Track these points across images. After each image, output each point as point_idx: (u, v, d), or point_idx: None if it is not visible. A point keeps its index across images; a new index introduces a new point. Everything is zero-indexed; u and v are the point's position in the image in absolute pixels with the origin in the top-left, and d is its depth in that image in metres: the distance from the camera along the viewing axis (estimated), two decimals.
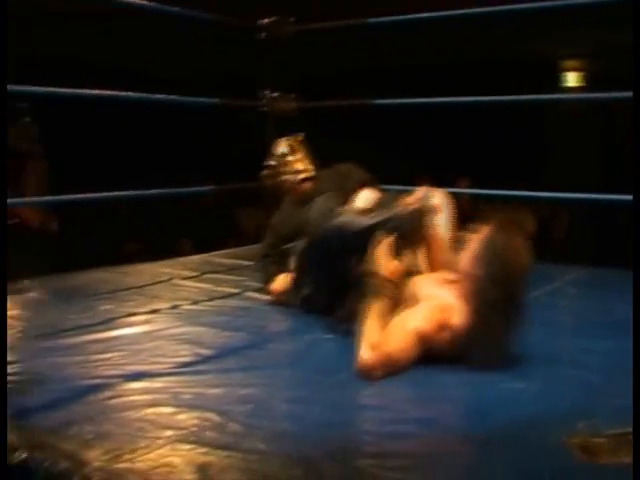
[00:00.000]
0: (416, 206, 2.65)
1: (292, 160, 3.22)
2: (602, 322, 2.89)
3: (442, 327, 2.24)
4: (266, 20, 4.70)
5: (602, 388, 2.10)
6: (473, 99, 4.78)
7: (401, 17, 4.73)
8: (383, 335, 2.22)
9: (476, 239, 2.30)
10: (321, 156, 3.34)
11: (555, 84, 8.31)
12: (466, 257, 2.30)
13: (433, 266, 2.68)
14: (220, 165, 6.12)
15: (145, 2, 3.76)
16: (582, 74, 8.48)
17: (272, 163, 3.29)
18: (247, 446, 1.69)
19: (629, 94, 5.01)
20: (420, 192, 2.71)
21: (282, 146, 3.27)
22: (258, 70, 4.70)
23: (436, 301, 2.31)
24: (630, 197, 4.15)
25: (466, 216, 6.26)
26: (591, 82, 8.29)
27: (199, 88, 4.48)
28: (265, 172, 3.39)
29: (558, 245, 6.78)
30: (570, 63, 8.48)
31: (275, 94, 4.76)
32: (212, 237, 6.34)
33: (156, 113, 5.49)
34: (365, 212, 2.73)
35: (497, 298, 2.20)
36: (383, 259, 2.48)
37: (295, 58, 6.00)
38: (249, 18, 4.61)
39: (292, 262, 3.00)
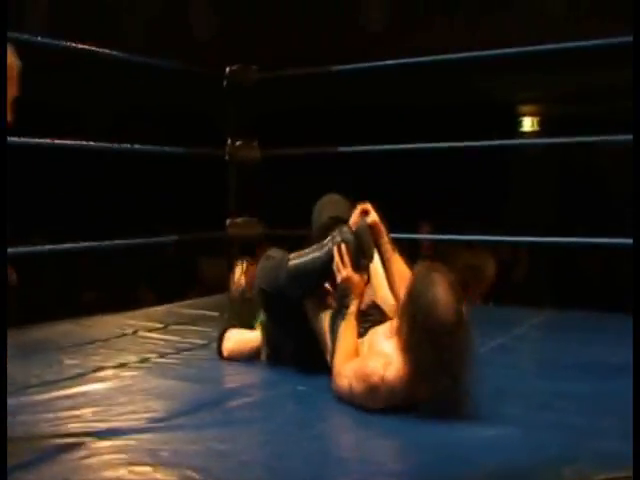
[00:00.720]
0: (359, 223, 2.66)
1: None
2: (572, 365, 2.90)
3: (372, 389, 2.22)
4: (228, 68, 4.71)
5: (583, 431, 2.09)
6: (433, 145, 4.85)
7: (364, 65, 4.80)
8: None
9: (410, 280, 2.28)
10: (282, 202, 3.31)
11: (513, 129, 8.45)
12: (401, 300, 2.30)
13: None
14: (181, 213, 6.08)
15: (110, 51, 3.74)
16: (538, 119, 8.63)
17: None
18: None
19: (586, 138, 5.17)
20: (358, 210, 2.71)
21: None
22: (222, 118, 4.70)
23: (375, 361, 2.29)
24: (588, 240, 4.26)
25: (429, 260, 6.30)
26: (547, 126, 8.44)
27: (163, 136, 4.46)
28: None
29: (519, 288, 6.82)
30: (527, 108, 8.63)
31: (238, 142, 4.76)
32: (172, 286, 6.28)
33: (117, 161, 5.46)
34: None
35: (426, 342, 2.14)
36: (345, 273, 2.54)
37: (259, 106, 6.03)
38: (218, 67, 4.62)
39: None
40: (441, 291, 2.16)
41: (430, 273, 2.22)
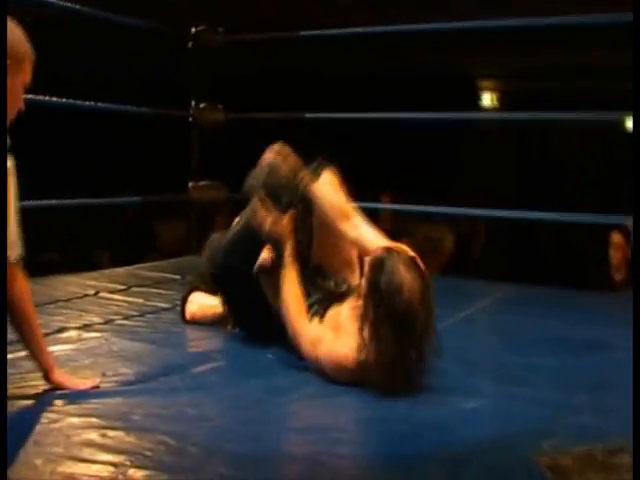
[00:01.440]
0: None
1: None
2: (538, 339, 2.91)
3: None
4: (194, 29, 4.62)
5: (556, 405, 2.09)
6: (397, 115, 4.83)
7: (329, 31, 4.74)
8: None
9: (377, 250, 2.22)
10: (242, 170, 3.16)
11: (473, 103, 8.46)
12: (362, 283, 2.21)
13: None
14: (143, 175, 5.96)
15: (79, 6, 3.63)
16: (497, 94, 8.66)
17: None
18: (210, 470, 1.61)
19: (541, 115, 5.19)
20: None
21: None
22: (187, 80, 4.62)
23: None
24: (541, 215, 4.30)
25: (388, 232, 6.32)
26: (506, 102, 8.48)
27: (128, 95, 4.36)
28: None
29: (477, 262, 6.88)
30: (487, 83, 8.65)
31: (202, 105, 4.69)
32: (130, 249, 6.19)
33: (82, 119, 5.33)
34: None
35: (388, 321, 2.09)
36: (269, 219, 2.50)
37: (224, 68, 5.93)
38: (183, 27, 4.52)
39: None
40: (403, 274, 2.10)
41: (389, 257, 2.14)
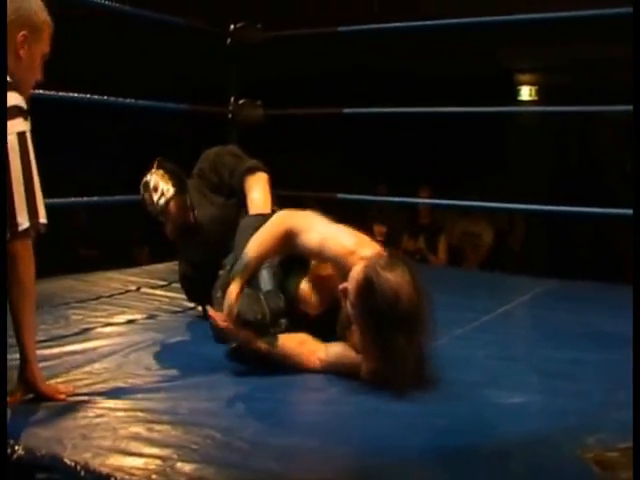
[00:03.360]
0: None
1: (147, 196, 2.91)
2: (581, 334, 2.89)
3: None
4: (233, 26, 4.63)
5: (602, 401, 2.09)
6: (436, 110, 4.82)
7: (368, 26, 4.74)
8: None
9: (355, 273, 2.12)
10: (282, 161, 3.20)
11: (512, 97, 8.39)
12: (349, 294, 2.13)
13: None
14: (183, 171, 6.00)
15: (119, 4, 3.67)
16: (536, 88, 8.57)
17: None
18: (257, 465, 1.62)
19: (584, 108, 5.13)
20: None
21: (140, 188, 2.96)
22: (225, 76, 4.63)
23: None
24: (579, 209, 4.26)
25: (425, 225, 6.30)
26: (545, 96, 8.39)
27: (168, 93, 4.40)
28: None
29: (516, 257, 6.83)
30: (525, 77, 8.56)
31: (241, 101, 4.70)
32: (169, 245, 6.22)
33: (121, 117, 5.39)
34: None
35: (400, 330, 2.03)
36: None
37: (264, 65, 5.95)
38: (221, 24, 4.53)
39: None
40: (392, 279, 2.04)
41: (372, 273, 2.06)
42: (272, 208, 2.84)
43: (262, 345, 2.24)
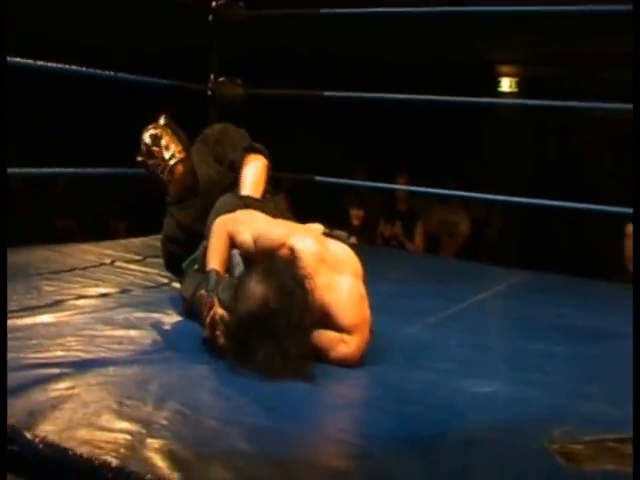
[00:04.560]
0: None
1: (156, 150, 2.92)
2: (553, 326, 2.91)
3: None
4: (215, 2, 4.59)
5: (570, 393, 2.11)
6: (416, 97, 4.80)
7: (350, 10, 4.72)
8: None
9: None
10: (261, 140, 3.20)
11: (492, 88, 8.41)
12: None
13: None
14: None
15: None
16: (517, 80, 8.60)
17: (139, 159, 2.97)
18: (226, 443, 1.62)
19: (560, 103, 5.15)
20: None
21: (145, 138, 2.96)
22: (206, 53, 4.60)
23: None
24: (557, 203, 4.28)
25: (402, 211, 6.31)
26: (525, 88, 8.42)
27: (147, 66, 4.36)
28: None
29: (491, 247, 6.87)
30: (506, 69, 8.59)
31: (221, 79, 4.67)
32: (146, 220, 6.19)
33: (99, 89, 5.33)
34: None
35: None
36: None
37: (246, 43, 5.91)
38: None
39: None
40: (252, 286, 2.08)
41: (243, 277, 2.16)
42: (264, 193, 2.87)
43: None
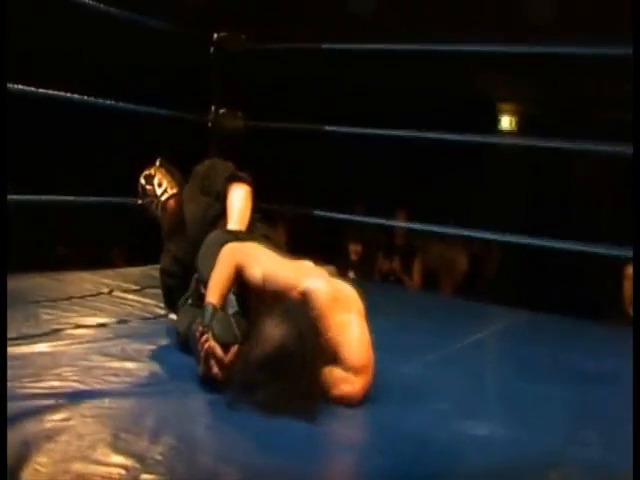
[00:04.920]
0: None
1: (149, 188, 3.12)
2: (552, 367, 2.90)
3: None
4: (216, 35, 4.63)
5: (566, 437, 2.09)
6: (416, 134, 4.82)
7: (352, 46, 4.76)
8: None
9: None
10: (261, 173, 3.24)
11: (492, 126, 8.46)
12: None
13: None
14: None
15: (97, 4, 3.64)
16: (516, 119, 8.67)
17: (139, 202, 3.21)
18: None
19: (558, 144, 5.18)
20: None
21: (140, 179, 3.17)
22: (207, 85, 4.63)
23: None
24: (554, 243, 4.28)
25: (401, 248, 6.30)
26: (525, 127, 8.47)
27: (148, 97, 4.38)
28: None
29: (490, 285, 6.87)
30: (506, 107, 8.66)
31: (222, 111, 4.70)
32: (145, 250, 6.19)
33: (101, 118, 5.36)
34: None
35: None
36: None
37: (247, 76, 5.95)
38: (206, 31, 4.54)
39: None
40: (268, 330, 2.09)
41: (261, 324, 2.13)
42: (252, 220, 2.90)
43: None
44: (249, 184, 3.01)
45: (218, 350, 2.15)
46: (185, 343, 2.51)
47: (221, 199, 2.98)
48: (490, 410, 2.27)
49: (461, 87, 7.63)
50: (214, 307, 2.27)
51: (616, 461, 1.89)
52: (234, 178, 3.02)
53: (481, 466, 1.84)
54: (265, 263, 2.35)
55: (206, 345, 2.17)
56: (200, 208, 3.02)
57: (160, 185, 3.11)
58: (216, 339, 2.17)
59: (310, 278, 2.27)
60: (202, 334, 2.19)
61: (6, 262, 1.89)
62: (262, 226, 2.97)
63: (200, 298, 2.51)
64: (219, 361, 2.16)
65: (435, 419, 2.12)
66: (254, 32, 4.73)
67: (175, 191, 3.11)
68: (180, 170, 3.24)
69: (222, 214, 2.93)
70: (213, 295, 2.31)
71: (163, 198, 3.09)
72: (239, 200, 2.94)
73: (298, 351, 2.04)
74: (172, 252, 3.07)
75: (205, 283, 2.46)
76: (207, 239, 2.71)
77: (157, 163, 3.18)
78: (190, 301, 2.70)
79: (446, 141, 5.31)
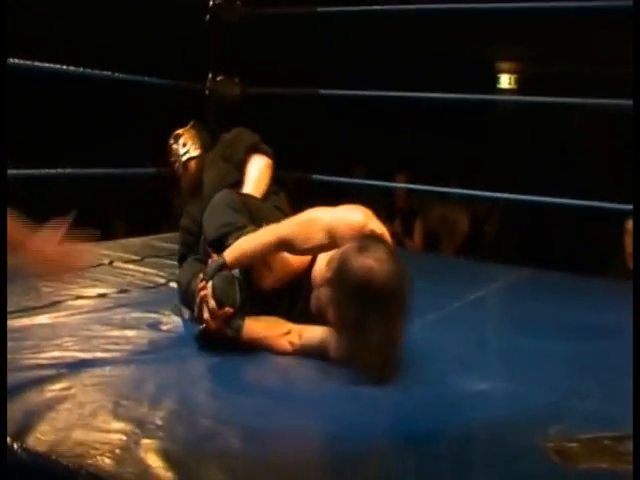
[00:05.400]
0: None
1: (175, 147, 3.16)
2: (552, 323, 2.90)
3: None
4: (212, 2, 4.59)
5: (566, 390, 2.10)
6: (414, 95, 4.79)
7: (348, 8, 4.72)
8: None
9: (331, 258, 2.14)
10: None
11: (491, 85, 8.42)
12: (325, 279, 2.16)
13: None
14: (157, 147, 6.00)
15: None
16: (516, 77, 8.61)
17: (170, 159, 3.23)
18: (220, 443, 1.62)
19: (558, 99, 5.14)
20: None
21: (170, 138, 3.21)
22: (204, 53, 4.60)
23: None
24: (555, 200, 4.27)
25: (402, 210, 6.31)
26: (524, 85, 8.43)
27: (145, 66, 4.37)
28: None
29: (491, 244, 6.87)
30: (505, 65, 8.60)
31: (219, 78, 4.67)
32: (146, 220, 6.20)
33: (98, 88, 5.34)
34: None
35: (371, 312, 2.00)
36: None
37: (243, 43, 5.90)
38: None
39: None
40: (371, 262, 2.03)
41: (349, 250, 2.07)
42: (268, 192, 2.92)
43: (229, 331, 2.23)
44: (270, 156, 3.05)
45: (212, 302, 2.17)
46: (184, 294, 2.54)
47: (240, 167, 3.00)
48: (490, 366, 2.28)
49: (459, 46, 7.57)
50: (224, 264, 2.27)
51: (616, 413, 1.90)
52: (256, 149, 3.05)
53: (481, 420, 1.85)
54: (322, 217, 2.24)
55: (202, 292, 2.20)
56: (219, 174, 3.02)
57: (184, 145, 3.13)
58: (214, 292, 2.18)
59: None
60: (203, 284, 2.22)
61: (6, 237, 1.88)
62: (277, 198, 2.97)
63: (206, 258, 2.53)
64: (211, 310, 2.18)
65: (435, 376, 2.14)
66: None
67: (197, 153, 3.12)
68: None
69: (240, 182, 2.96)
70: (231, 254, 2.30)
71: (184, 158, 3.11)
72: (257, 170, 2.98)
73: (402, 289, 2.04)
74: (191, 213, 3.07)
75: (210, 242, 2.47)
76: (214, 199, 2.70)
77: (190, 125, 3.22)
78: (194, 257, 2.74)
79: (445, 101, 5.31)
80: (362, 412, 1.90)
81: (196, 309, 2.26)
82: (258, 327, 2.27)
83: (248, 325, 2.24)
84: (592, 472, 1.60)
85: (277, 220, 2.46)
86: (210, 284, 2.22)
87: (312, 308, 2.29)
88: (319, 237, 2.21)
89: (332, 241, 2.19)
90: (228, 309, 2.19)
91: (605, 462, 1.65)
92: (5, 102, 1.86)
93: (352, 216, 2.22)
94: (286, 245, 2.27)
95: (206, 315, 2.20)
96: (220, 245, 2.42)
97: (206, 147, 3.17)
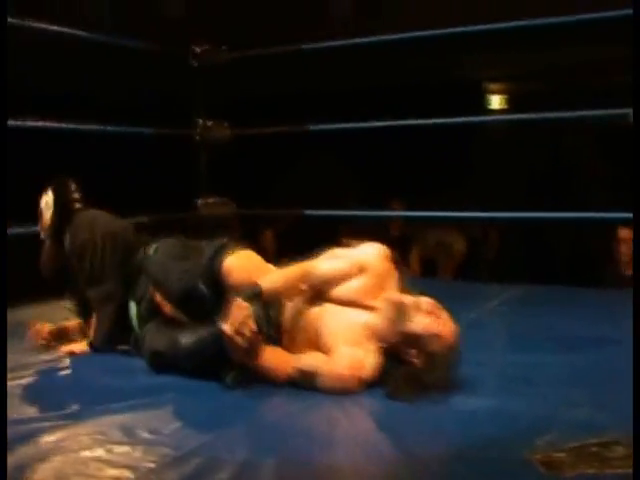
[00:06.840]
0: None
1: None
2: (545, 338, 2.93)
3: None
4: (198, 48, 4.68)
5: (556, 401, 2.12)
6: (403, 123, 4.84)
7: (332, 43, 4.80)
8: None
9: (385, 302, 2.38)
10: (254, 181, 3.27)
11: (481, 107, 8.45)
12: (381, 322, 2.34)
13: None
14: (149, 195, 6.04)
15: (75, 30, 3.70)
16: (506, 97, 8.65)
17: None
18: None
19: (548, 115, 5.18)
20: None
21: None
22: (191, 98, 4.68)
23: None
24: (548, 214, 4.31)
25: (396, 238, 6.32)
26: (515, 104, 8.46)
27: (132, 117, 4.43)
28: None
29: (490, 265, 6.87)
30: (494, 86, 8.64)
31: (209, 123, 4.75)
32: None
33: (88, 142, 5.40)
34: None
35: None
36: None
37: (229, 86, 5.99)
38: (183, 45, 4.59)
39: None
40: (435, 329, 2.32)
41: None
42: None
43: (251, 355, 2.28)
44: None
45: (254, 325, 2.21)
46: (162, 363, 2.50)
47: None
48: (482, 384, 2.30)
49: (445, 71, 7.64)
50: (261, 292, 2.32)
51: (603, 419, 1.94)
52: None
53: (468, 437, 1.87)
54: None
55: (245, 312, 2.21)
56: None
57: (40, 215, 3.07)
58: (257, 319, 2.23)
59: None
60: (242, 304, 2.23)
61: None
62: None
63: (154, 306, 2.60)
64: (252, 332, 2.21)
65: (428, 397, 2.16)
66: (233, 43, 4.79)
67: (46, 235, 3.05)
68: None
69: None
70: (267, 282, 2.37)
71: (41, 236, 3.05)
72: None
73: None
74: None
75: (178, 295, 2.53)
76: (164, 245, 2.76)
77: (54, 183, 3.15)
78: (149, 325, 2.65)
79: (436, 126, 5.34)
80: (352, 429, 1.93)
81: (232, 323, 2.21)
82: (272, 356, 2.33)
83: (265, 353, 2.31)
84: (576, 478, 1.61)
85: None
86: (251, 309, 2.24)
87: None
88: (344, 265, 2.52)
89: (357, 271, 2.49)
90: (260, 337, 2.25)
91: (592, 468, 1.67)
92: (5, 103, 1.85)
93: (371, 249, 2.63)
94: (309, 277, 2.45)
95: (247, 333, 2.20)
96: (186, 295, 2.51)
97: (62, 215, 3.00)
